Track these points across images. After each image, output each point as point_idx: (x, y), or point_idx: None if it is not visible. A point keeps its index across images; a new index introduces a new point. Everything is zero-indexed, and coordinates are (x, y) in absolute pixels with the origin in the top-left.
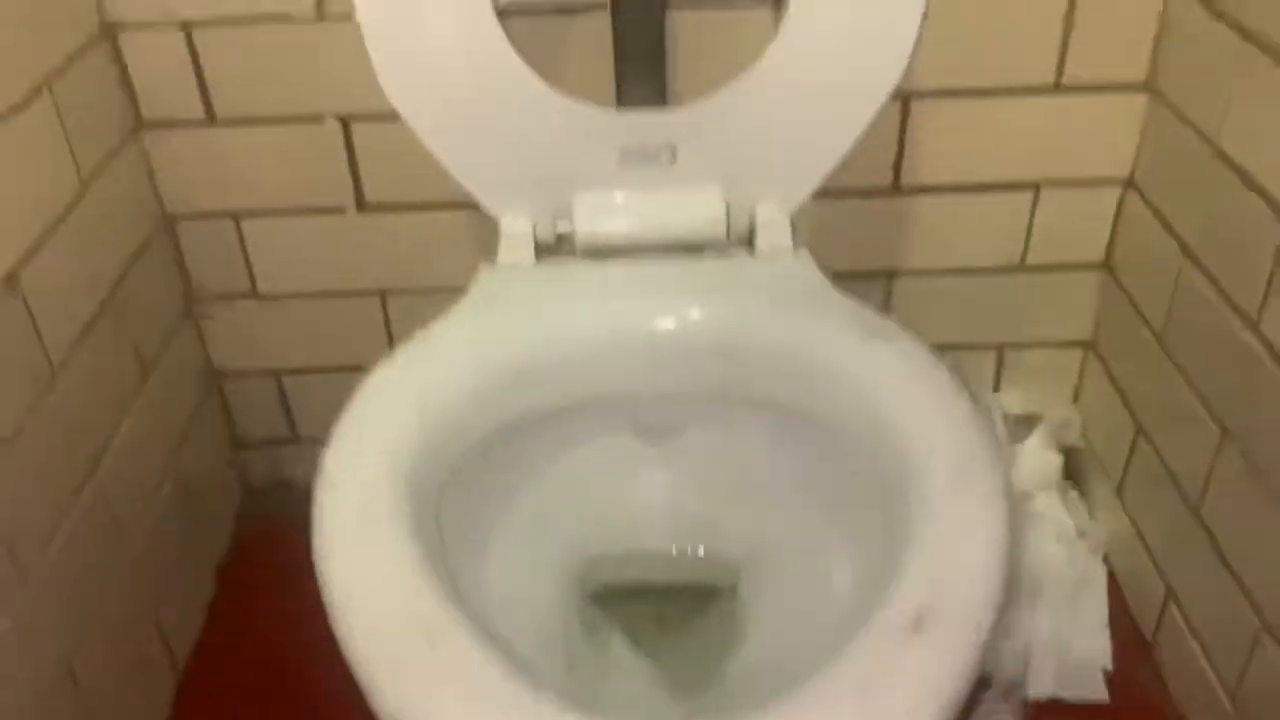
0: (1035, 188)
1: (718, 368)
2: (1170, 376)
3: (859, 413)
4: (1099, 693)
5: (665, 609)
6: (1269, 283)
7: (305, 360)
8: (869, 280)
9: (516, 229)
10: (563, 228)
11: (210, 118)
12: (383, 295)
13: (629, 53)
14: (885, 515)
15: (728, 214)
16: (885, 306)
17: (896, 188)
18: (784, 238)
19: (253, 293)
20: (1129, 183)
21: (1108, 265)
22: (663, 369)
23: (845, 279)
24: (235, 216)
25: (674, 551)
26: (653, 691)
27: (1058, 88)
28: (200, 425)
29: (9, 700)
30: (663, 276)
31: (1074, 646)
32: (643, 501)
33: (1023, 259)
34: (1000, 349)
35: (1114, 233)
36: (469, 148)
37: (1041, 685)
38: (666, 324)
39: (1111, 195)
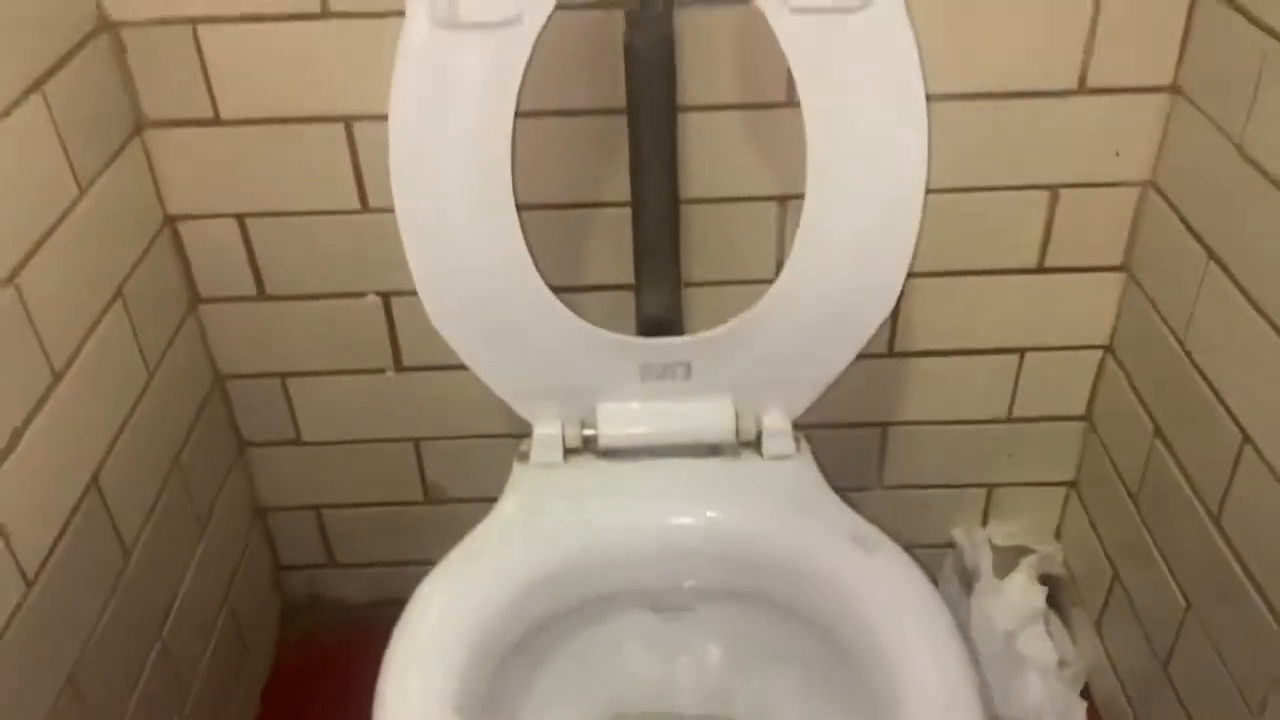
0: (1020, 352)
1: (725, 567)
2: (1142, 537)
3: (852, 625)
4: None
5: None
6: (1230, 482)
7: (343, 497)
8: (867, 429)
9: (546, 434)
10: (588, 431)
11: (261, 293)
12: (416, 443)
13: (649, 311)
14: (871, 691)
15: (737, 421)
16: (881, 452)
17: (891, 352)
18: (788, 444)
19: (296, 440)
20: (1108, 349)
21: (1089, 418)
22: (677, 566)
23: (845, 428)
24: (282, 376)
25: (687, 715)
26: None
27: (1040, 269)
28: (247, 559)
29: None
30: (678, 478)
31: None
32: (659, 668)
33: (1009, 412)
34: (989, 488)
35: (1094, 391)
36: (505, 369)
37: None
38: (681, 526)
39: (1092, 358)
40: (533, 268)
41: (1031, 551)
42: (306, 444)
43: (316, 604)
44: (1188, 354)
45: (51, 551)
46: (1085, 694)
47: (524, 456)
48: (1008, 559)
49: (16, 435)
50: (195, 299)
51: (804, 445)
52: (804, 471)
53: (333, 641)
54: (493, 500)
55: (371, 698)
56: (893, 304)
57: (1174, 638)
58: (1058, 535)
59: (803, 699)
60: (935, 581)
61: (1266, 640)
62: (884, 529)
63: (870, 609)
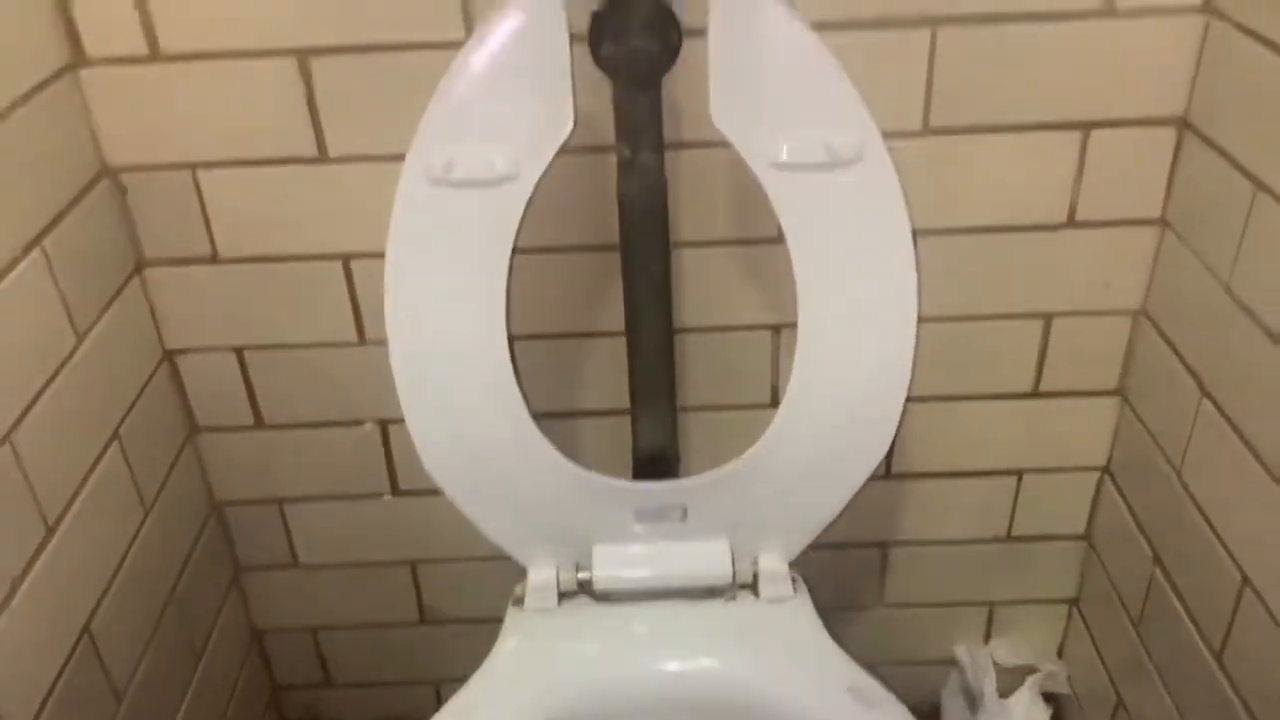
0: (1018, 474)
1: (718, 715)
2: (1144, 663)
3: None
4: None
5: None
6: (1231, 622)
7: (340, 619)
8: (866, 549)
9: (541, 579)
10: (583, 574)
11: (259, 422)
12: (413, 565)
13: (645, 442)
14: None
15: (733, 563)
16: (882, 571)
17: (889, 474)
18: (785, 587)
19: (293, 563)
20: (1106, 470)
21: (1089, 538)
22: (674, 714)
23: (845, 548)
24: (279, 502)
25: None
26: None
27: (1036, 394)
28: (244, 683)
29: None
30: (674, 622)
31: None
32: None
33: (1009, 532)
34: (991, 606)
35: (1093, 512)
36: (500, 515)
37: None
38: (677, 674)
39: (1090, 480)
40: (527, 415)
41: (1036, 670)
42: (303, 566)
43: None
44: (1184, 485)
45: (40, 711)
46: None
47: (518, 601)
48: (1012, 677)
49: (8, 596)
50: (193, 429)
51: (801, 587)
52: (801, 615)
53: None
54: (488, 621)
55: None
56: (889, 443)
57: None
58: (1061, 653)
59: None
60: (939, 699)
61: None
62: (885, 646)
63: None
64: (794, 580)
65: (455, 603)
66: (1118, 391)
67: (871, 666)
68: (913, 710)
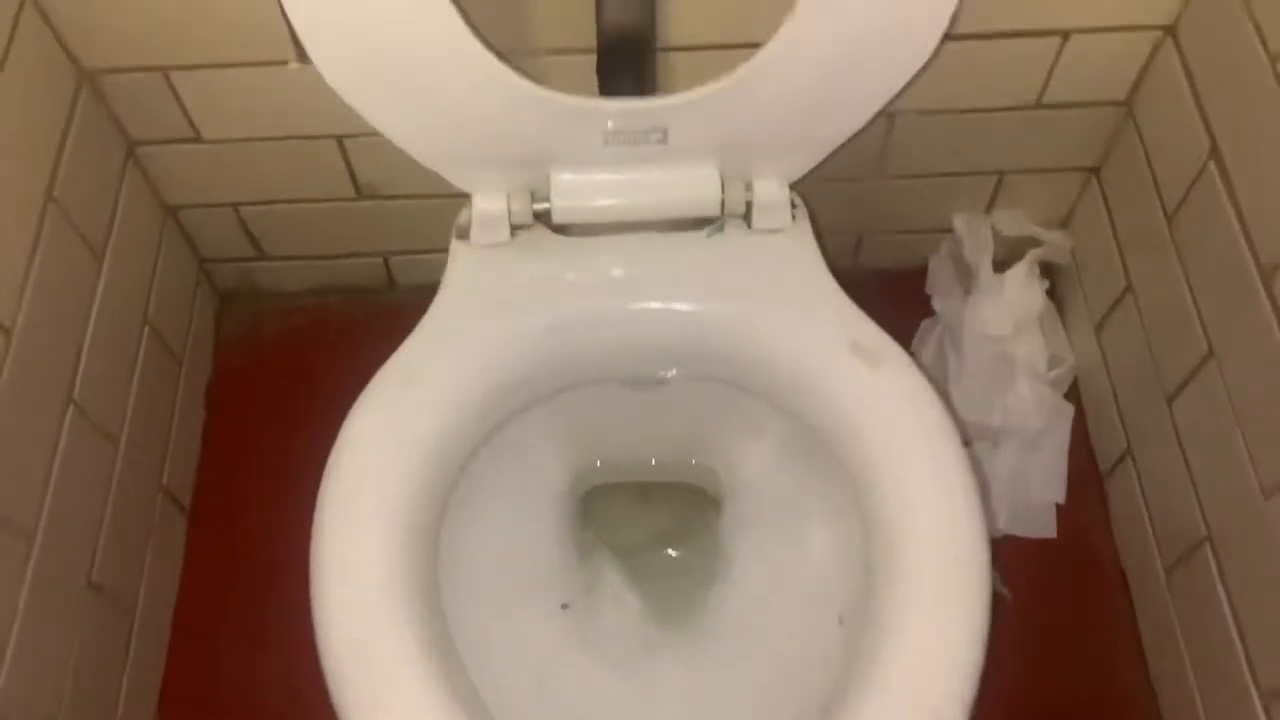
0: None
1: (707, 363)
2: (1165, 246)
3: (847, 440)
4: (1049, 530)
5: (650, 489)
6: None
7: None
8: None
9: (488, 208)
10: (540, 204)
11: None
12: (339, 139)
13: (613, 41)
14: (866, 532)
15: (722, 189)
16: (885, 140)
17: None
18: (783, 216)
19: (196, 138)
20: (1169, 30)
21: (1130, 105)
22: (651, 360)
23: None
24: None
25: (654, 462)
26: (643, 625)
27: None
28: (164, 264)
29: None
30: (648, 258)
31: (1031, 488)
32: (634, 428)
33: (1039, 99)
34: (1000, 175)
35: (1143, 76)
36: (426, 132)
37: (994, 524)
38: (652, 316)
39: (1147, 39)
40: (460, 21)
41: (1038, 244)
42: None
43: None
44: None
45: None
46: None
47: (463, 233)
48: (1013, 254)
49: None
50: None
51: (802, 214)
52: (800, 249)
53: (271, 330)
54: (437, 197)
55: (317, 387)
56: (933, 45)
57: (1185, 380)
58: (1067, 226)
59: (783, 483)
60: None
61: None
62: (882, 217)
63: (872, 436)
64: (794, 207)
65: (394, 181)
66: None
67: (867, 234)
68: (901, 277)
